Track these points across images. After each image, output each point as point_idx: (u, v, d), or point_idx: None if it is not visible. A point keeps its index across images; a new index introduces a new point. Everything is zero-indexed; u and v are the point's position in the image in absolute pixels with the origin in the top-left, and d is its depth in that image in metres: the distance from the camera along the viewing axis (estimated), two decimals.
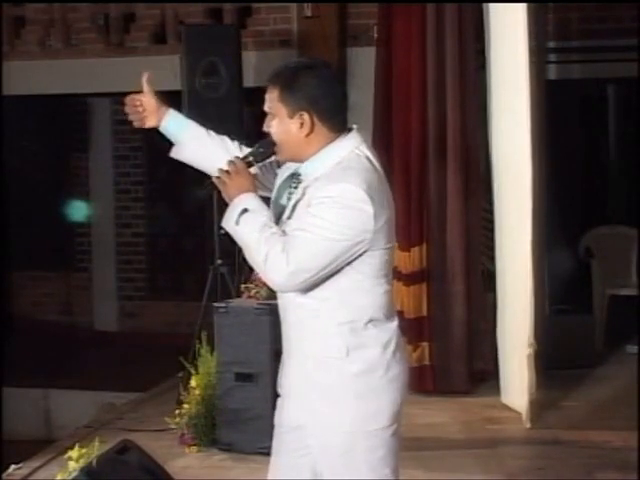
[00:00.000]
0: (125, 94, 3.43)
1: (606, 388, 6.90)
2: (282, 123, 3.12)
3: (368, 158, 3.12)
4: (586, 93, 9.21)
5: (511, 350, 6.30)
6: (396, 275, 6.64)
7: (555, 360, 6.96)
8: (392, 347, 3.12)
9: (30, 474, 5.39)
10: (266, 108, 3.16)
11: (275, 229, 3.06)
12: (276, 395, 3.32)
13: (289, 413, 3.21)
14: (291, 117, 3.10)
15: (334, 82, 3.16)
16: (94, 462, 3.62)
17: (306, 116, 3.09)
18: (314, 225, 3.00)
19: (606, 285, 8.06)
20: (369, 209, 3.00)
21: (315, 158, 3.12)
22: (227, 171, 3.15)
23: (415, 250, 6.78)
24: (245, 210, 3.08)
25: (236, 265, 6.26)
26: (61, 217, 10.60)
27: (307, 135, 3.10)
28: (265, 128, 3.18)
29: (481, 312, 6.95)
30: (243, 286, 5.84)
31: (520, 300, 6.02)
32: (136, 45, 9.02)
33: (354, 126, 3.17)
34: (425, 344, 6.79)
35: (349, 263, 3.05)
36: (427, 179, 6.80)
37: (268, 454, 3.36)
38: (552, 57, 8.30)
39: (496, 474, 5.29)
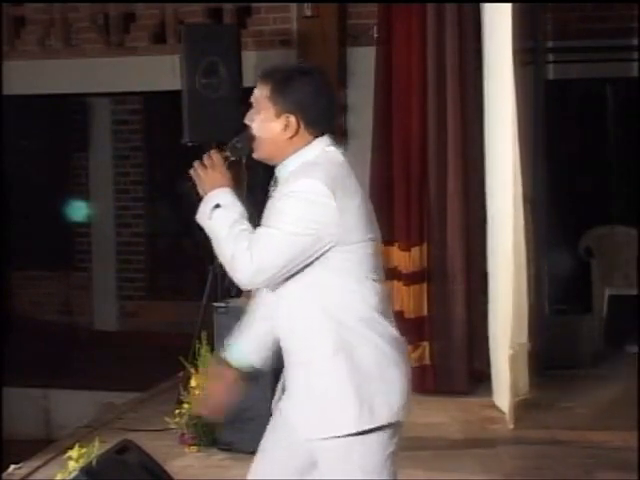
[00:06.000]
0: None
1: (605, 388, 6.91)
2: (267, 120, 3.12)
3: (336, 152, 3.11)
4: (585, 93, 9.20)
5: (497, 351, 6.32)
6: (396, 275, 6.65)
7: (555, 360, 6.96)
8: (386, 348, 3.07)
9: (30, 474, 5.38)
10: (252, 100, 3.17)
11: (245, 226, 3.05)
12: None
13: (282, 412, 3.20)
14: (277, 117, 3.10)
15: (326, 90, 3.16)
16: (94, 462, 3.63)
17: (292, 119, 3.09)
18: (277, 220, 3.00)
19: (606, 285, 8.07)
20: (332, 202, 2.98)
21: (288, 161, 3.12)
22: (204, 164, 3.14)
23: (415, 250, 6.77)
24: (218, 205, 3.08)
25: None
26: (61, 217, 10.60)
27: (290, 137, 3.11)
28: (247, 120, 3.18)
29: (481, 312, 6.96)
30: None
31: (506, 300, 6.05)
32: (136, 45, 9.02)
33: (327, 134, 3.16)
34: (425, 344, 6.79)
35: (325, 261, 3.01)
36: (427, 179, 6.79)
37: None
38: (551, 57, 8.30)
39: (495, 474, 5.29)
